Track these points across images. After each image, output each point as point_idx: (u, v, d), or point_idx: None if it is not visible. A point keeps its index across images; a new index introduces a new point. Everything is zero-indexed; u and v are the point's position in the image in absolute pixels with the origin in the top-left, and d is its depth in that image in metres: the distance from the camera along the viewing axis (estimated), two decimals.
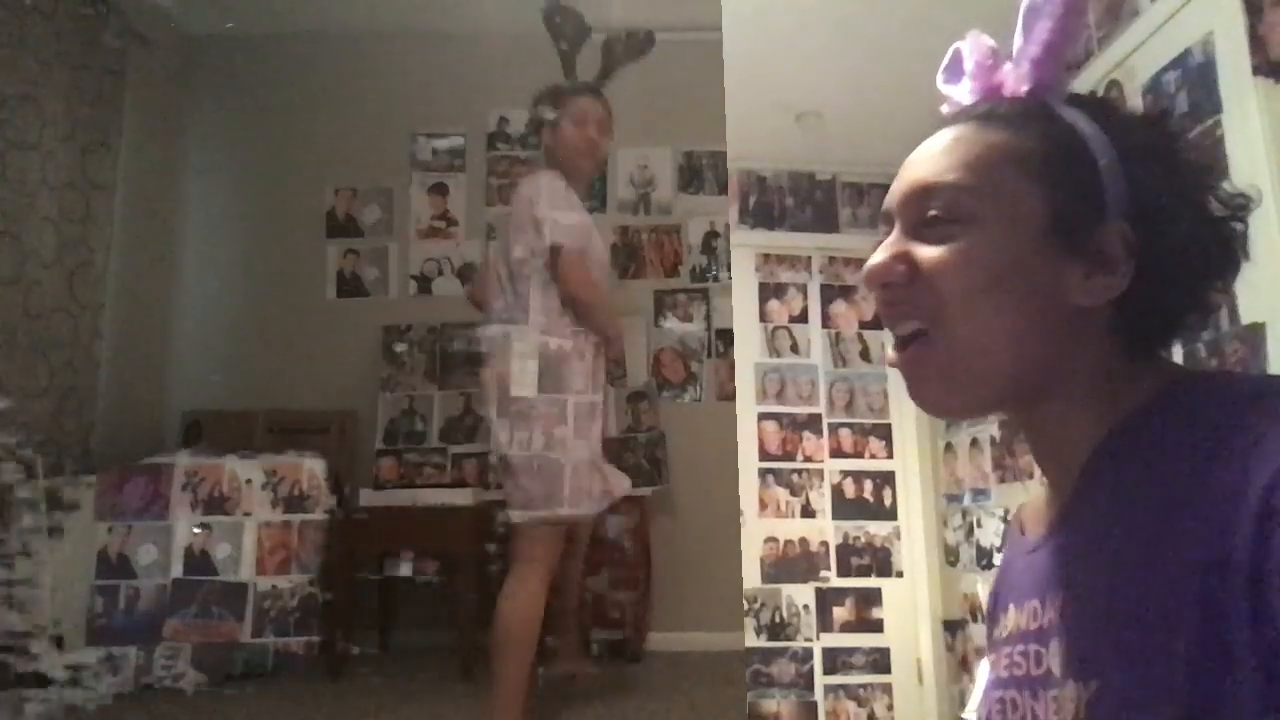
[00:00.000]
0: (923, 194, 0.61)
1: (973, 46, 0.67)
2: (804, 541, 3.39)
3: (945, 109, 0.68)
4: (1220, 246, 0.59)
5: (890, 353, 0.65)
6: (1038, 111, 0.61)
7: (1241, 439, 0.46)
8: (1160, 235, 0.57)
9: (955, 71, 0.69)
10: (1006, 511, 2.83)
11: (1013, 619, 0.62)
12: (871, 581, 3.39)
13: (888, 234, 0.64)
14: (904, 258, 0.61)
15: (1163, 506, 0.48)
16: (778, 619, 3.31)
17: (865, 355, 3.56)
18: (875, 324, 3.60)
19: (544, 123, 2.22)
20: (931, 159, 0.62)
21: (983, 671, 0.68)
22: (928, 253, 0.60)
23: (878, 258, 0.62)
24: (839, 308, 3.59)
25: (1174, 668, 0.44)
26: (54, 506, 2.51)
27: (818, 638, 3.31)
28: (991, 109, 0.63)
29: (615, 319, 2.29)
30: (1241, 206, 0.59)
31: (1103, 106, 0.62)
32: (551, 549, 2.01)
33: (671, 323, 3.37)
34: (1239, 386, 0.52)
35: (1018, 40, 0.65)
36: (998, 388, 0.59)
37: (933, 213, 0.60)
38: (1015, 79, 0.64)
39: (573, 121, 2.22)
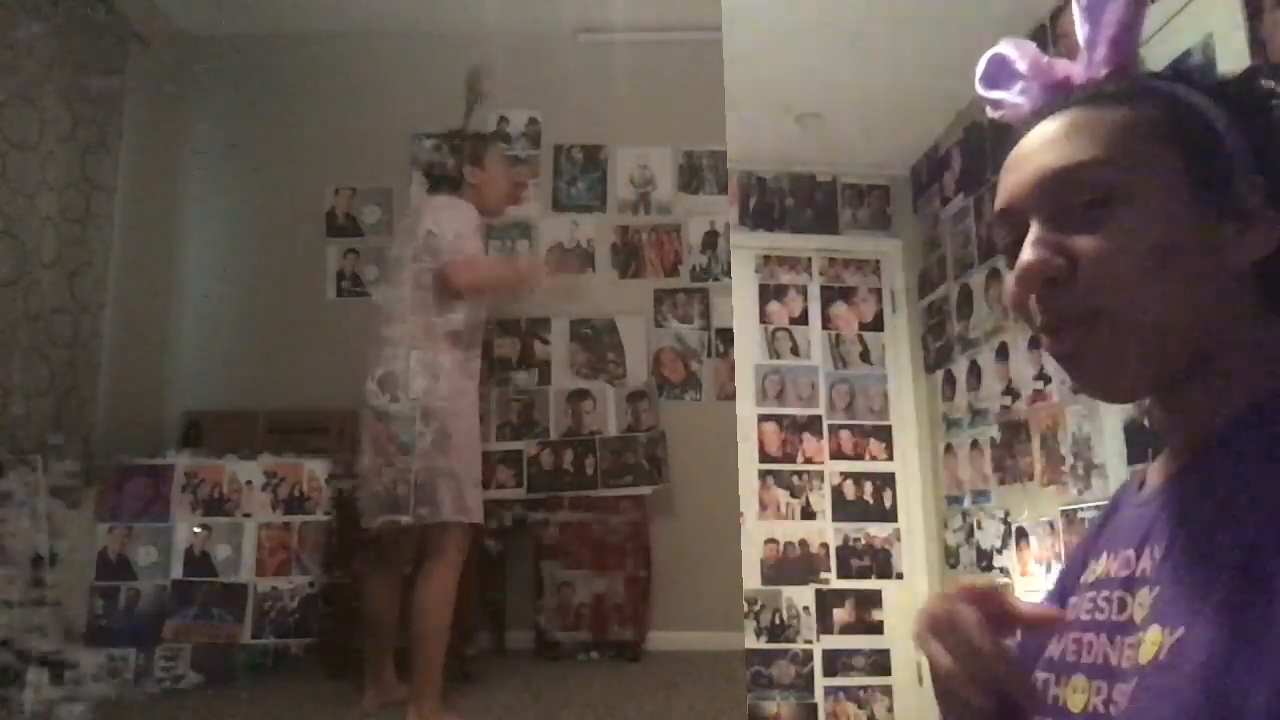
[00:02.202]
0: (1060, 179, 0.59)
1: (1019, 49, 0.67)
2: (804, 543, 3.39)
3: (997, 113, 0.69)
4: None
5: (1046, 342, 0.62)
6: (1141, 88, 0.61)
7: None
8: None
9: (1004, 76, 0.69)
10: (1007, 513, 2.83)
11: (1103, 565, 0.62)
12: (871, 583, 3.38)
13: (1009, 237, 0.63)
14: (1060, 249, 0.59)
15: (1272, 505, 0.49)
16: (778, 621, 3.31)
17: (865, 357, 3.55)
18: (875, 325, 3.60)
19: (465, 161, 2.42)
20: (1053, 145, 0.61)
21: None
22: (1085, 242, 0.58)
23: (1029, 255, 0.59)
24: (839, 309, 3.59)
25: (1273, 631, 0.44)
26: (54, 507, 2.51)
27: (818, 639, 3.31)
28: (1096, 92, 0.62)
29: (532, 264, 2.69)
30: None
31: (1192, 75, 0.62)
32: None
33: (671, 322, 3.37)
34: None
35: (1083, 30, 0.65)
36: (1165, 364, 0.58)
37: (1080, 200, 0.59)
38: (1092, 65, 0.64)
39: (499, 164, 2.52)
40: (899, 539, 3.42)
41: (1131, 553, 0.60)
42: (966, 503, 3.12)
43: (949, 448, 3.30)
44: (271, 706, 2.37)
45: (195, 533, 2.65)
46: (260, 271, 3.38)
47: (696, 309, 3.38)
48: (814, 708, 3.25)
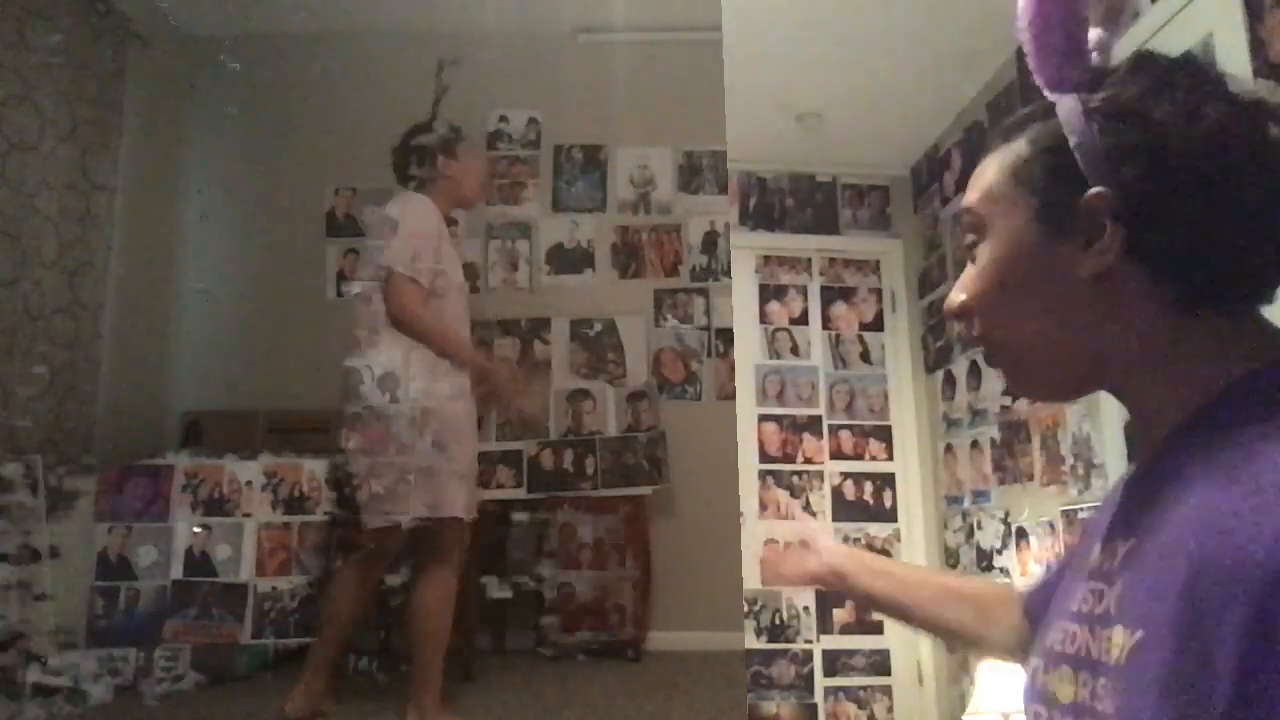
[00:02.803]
0: (962, 218, 0.69)
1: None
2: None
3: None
4: (1246, 157, 0.56)
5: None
6: (1037, 112, 0.64)
7: None
8: (1223, 175, 0.55)
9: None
10: (1007, 513, 2.83)
11: (1093, 555, 0.63)
12: None
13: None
14: (964, 288, 0.68)
15: (1232, 488, 0.49)
16: (777, 621, 3.31)
17: (865, 357, 3.55)
18: (875, 325, 3.60)
19: (437, 152, 2.41)
20: (975, 180, 0.69)
21: (983, 670, 0.69)
22: (967, 276, 0.68)
23: (950, 295, 0.70)
24: (839, 309, 3.58)
25: (1224, 643, 0.45)
26: (54, 507, 2.51)
27: (818, 639, 3.30)
28: (1010, 121, 0.67)
29: (495, 366, 2.57)
30: (1259, 105, 0.57)
31: (1097, 76, 0.63)
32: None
33: (671, 322, 3.37)
34: None
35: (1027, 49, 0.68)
36: (1066, 371, 0.64)
37: (967, 240, 0.68)
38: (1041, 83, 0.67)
39: (472, 155, 2.51)
40: (899, 539, 3.42)
41: (1106, 545, 0.61)
42: (966, 503, 3.12)
43: (949, 448, 3.29)
44: (271, 706, 2.37)
45: (195, 533, 2.65)
46: (260, 271, 3.38)
47: (696, 309, 3.38)
48: (814, 708, 3.25)
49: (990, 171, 0.66)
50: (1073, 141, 0.60)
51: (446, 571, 2.18)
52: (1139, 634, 0.51)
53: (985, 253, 0.65)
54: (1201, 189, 0.56)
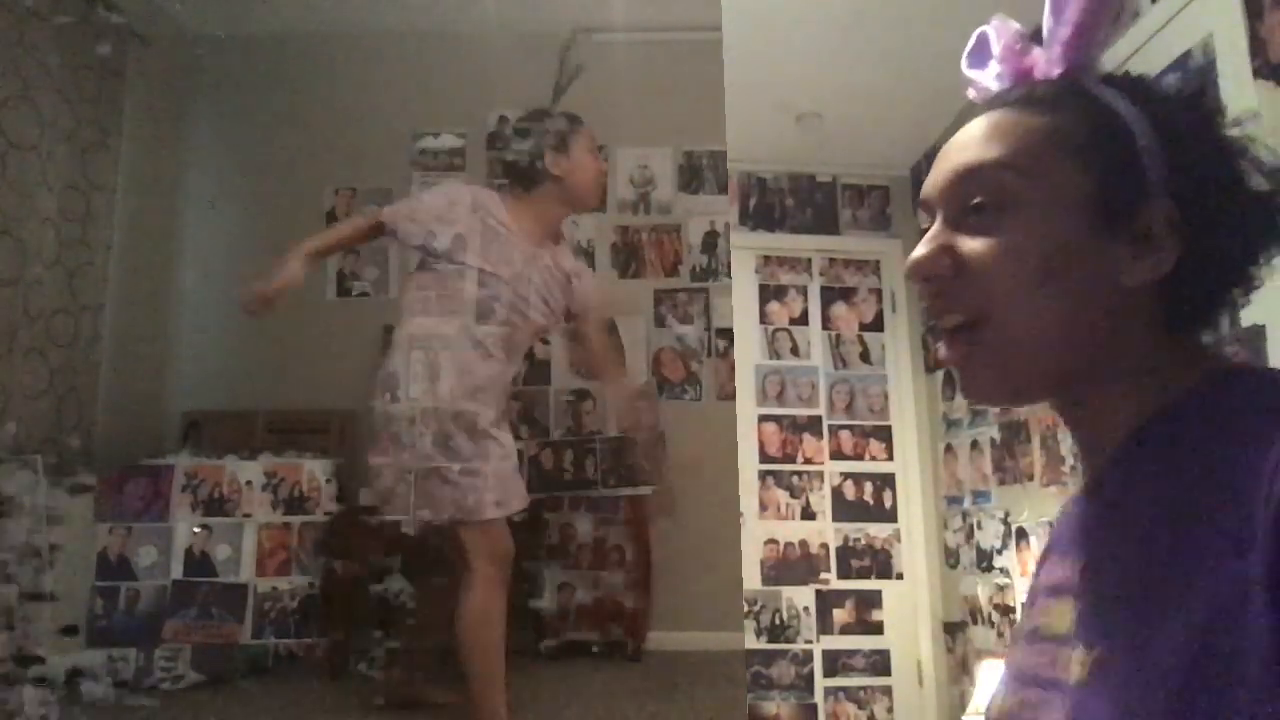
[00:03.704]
0: (965, 178, 0.60)
1: (1000, 30, 0.66)
2: (804, 544, 3.39)
3: (972, 94, 0.67)
4: (1261, 221, 0.58)
5: (939, 347, 0.64)
6: (1074, 93, 0.60)
7: (1271, 433, 0.46)
8: (1201, 212, 0.56)
9: (981, 55, 0.68)
10: (1007, 514, 2.83)
11: (1051, 573, 0.63)
12: (872, 584, 3.38)
13: (929, 225, 0.64)
14: (949, 250, 0.60)
15: (1191, 493, 0.49)
16: (778, 621, 3.31)
17: (865, 357, 3.55)
18: (875, 326, 3.60)
19: (547, 148, 2.12)
20: (971, 144, 0.61)
21: (983, 670, 0.68)
22: (973, 245, 0.59)
23: (920, 251, 0.61)
24: (839, 310, 3.59)
25: (1176, 648, 0.45)
26: (54, 507, 2.51)
27: (818, 640, 3.31)
28: (1028, 93, 0.62)
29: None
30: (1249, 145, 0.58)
31: (1139, 85, 0.61)
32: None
33: (671, 322, 3.37)
34: (1274, 382, 0.53)
35: (1047, 23, 0.63)
36: (1051, 375, 0.59)
37: (976, 200, 0.59)
38: (1047, 62, 0.63)
39: (587, 151, 2.16)
40: (899, 539, 3.42)
41: (1064, 562, 0.60)
42: (966, 503, 3.12)
43: (949, 448, 3.29)
44: (271, 706, 2.37)
45: (195, 533, 2.65)
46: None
47: (696, 309, 3.38)
48: (814, 708, 3.25)
49: (1023, 135, 0.59)
50: (1141, 143, 0.57)
51: (476, 583, 2.00)
52: (1096, 651, 0.50)
53: (1015, 224, 0.58)
54: (1239, 223, 0.57)
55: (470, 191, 2.19)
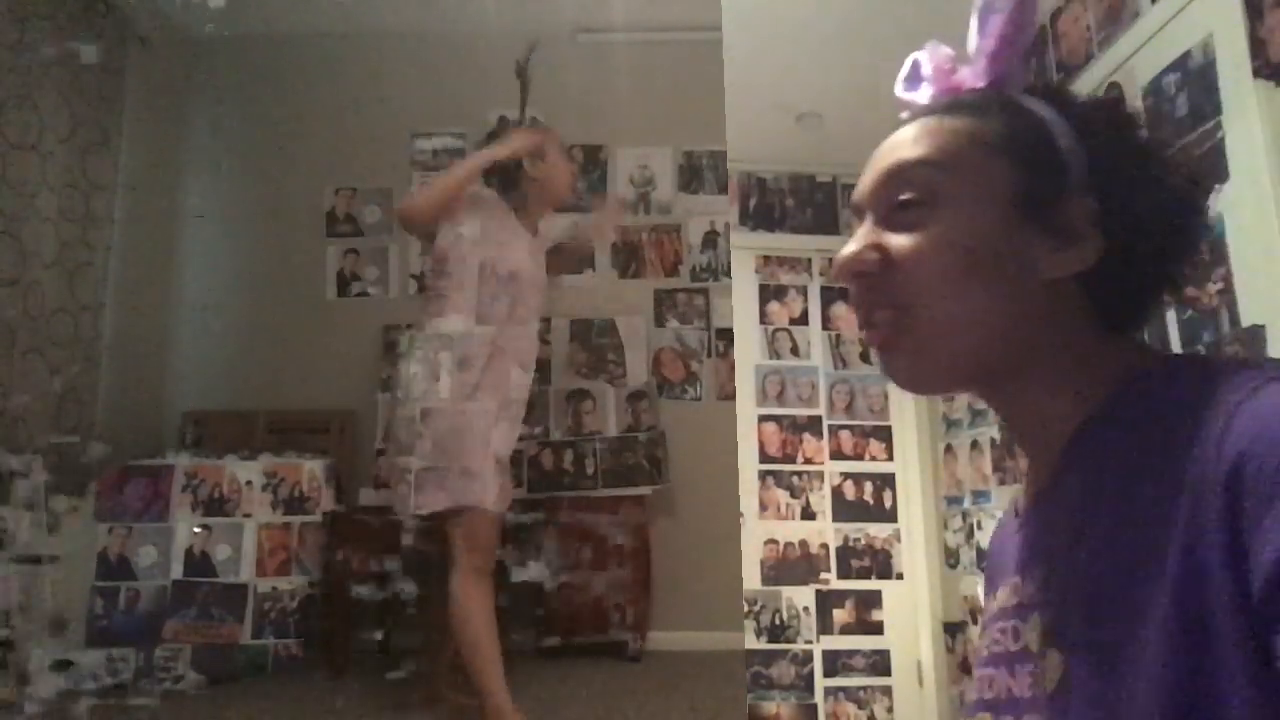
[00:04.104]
0: (893, 176, 0.62)
1: (930, 53, 0.69)
2: (804, 544, 3.39)
3: (905, 115, 0.69)
4: (1181, 220, 0.60)
5: (865, 333, 0.65)
6: (998, 99, 0.63)
7: (1214, 420, 0.47)
8: (1122, 210, 0.59)
9: (915, 79, 0.71)
10: None
11: (1000, 597, 0.63)
12: (872, 584, 3.38)
13: (859, 227, 0.66)
14: (876, 247, 0.62)
15: (1138, 486, 0.50)
16: (778, 621, 3.31)
17: (865, 357, 3.55)
18: None
19: (525, 155, 2.28)
20: (899, 146, 0.64)
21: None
22: (900, 241, 0.61)
23: (849, 248, 0.63)
24: (839, 310, 3.58)
25: (1145, 642, 0.45)
26: (54, 508, 2.51)
27: (818, 640, 3.31)
28: (953, 100, 0.65)
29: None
30: (1199, 180, 0.61)
31: (1059, 92, 0.64)
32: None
33: (671, 322, 3.37)
34: (1210, 368, 0.53)
35: (972, 39, 0.67)
36: (972, 363, 0.60)
37: (904, 197, 0.61)
38: (974, 75, 0.66)
39: (560, 154, 2.35)
40: (899, 539, 3.42)
41: (1017, 580, 0.60)
42: (966, 503, 3.12)
43: (949, 448, 3.29)
44: (271, 706, 2.37)
45: (195, 533, 2.65)
46: (260, 271, 3.38)
47: (696, 309, 3.38)
48: (814, 708, 3.25)
49: (948, 136, 0.61)
50: (1061, 144, 0.60)
51: (464, 575, 2.04)
52: (1070, 656, 0.51)
53: (939, 220, 0.60)
54: (1158, 220, 0.59)
55: (484, 191, 2.25)
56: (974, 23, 0.66)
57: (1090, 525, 0.53)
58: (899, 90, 0.72)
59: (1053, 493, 0.59)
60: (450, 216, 2.17)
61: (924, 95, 0.69)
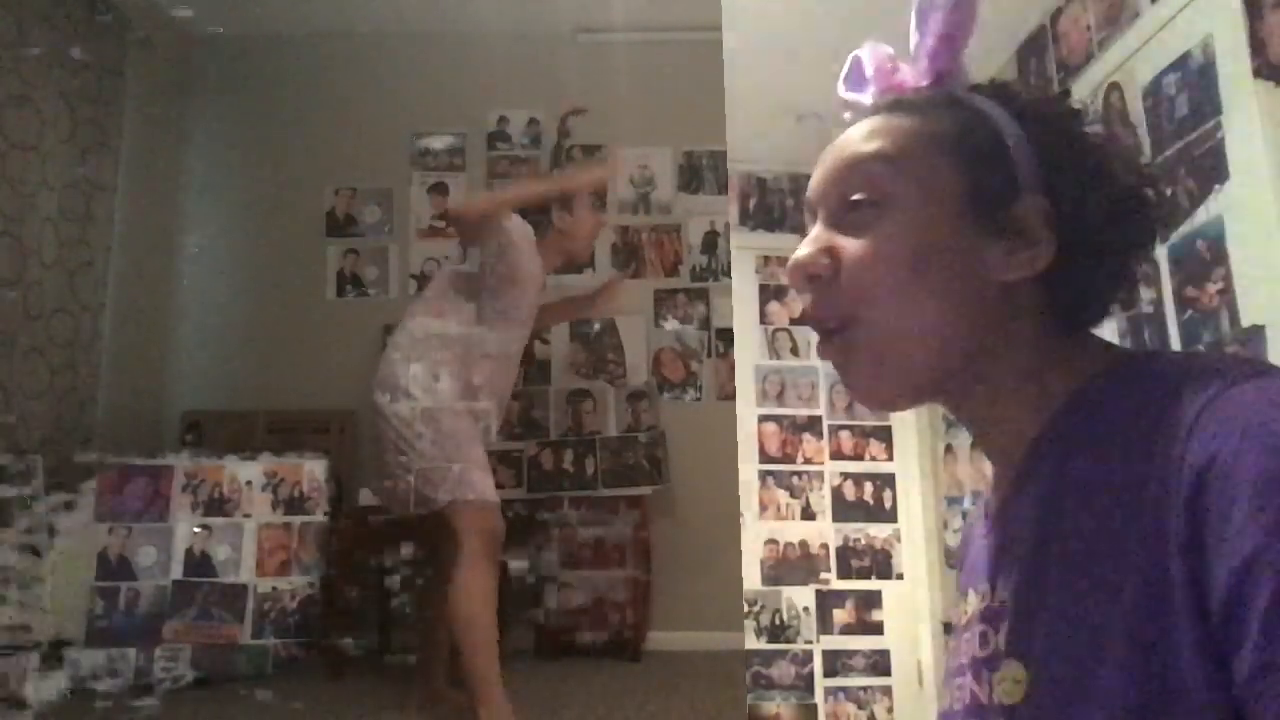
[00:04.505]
0: (844, 172, 0.61)
1: (871, 52, 0.68)
2: (804, 544, 3.39)
3: (848, 116, 0.68)
4: (1133, 216, 0.59)
5: (817, 345, 0.64)
6: (944, 99, 0.62)
7: (1176, 421, 0.46)
8: (1075, 208, 0.57)
9: (857, 79, 0.70)
10: None
11: (971, 603, 0.62)
12: (872, 584, 3.38)
13: (812, 227, 0.64)
14: (828, 250, 0.60)
15: (1103, 490, 0.49)
16: (778, 621, 3.31)
17: None
18: None
19: (555, 206, 2.34)
20: (849, 142, 0.63)
21: None
22: (849, 246, 0.59)
23: (801, 252, 0.61)
24: None
25: (1107, 657, 0.45)
26: (54, 507, 2.51)
27: (818, 640, 3.30)
28: (899, 100, 0.63)
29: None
30: (1151, 177, 0.60)
31: (1004, 90, 0.63)
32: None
33: (671, 322, 3.37)
34: (1173, 367, 0.52)
35: (913, 38, 0.66)
36: (931, 373, 0.59)
37: (855, 197, 0.60)
38: (916, 74, 0.65)
39: (588, 209, 2.40)
40: (899, 539, 3.41)
41: (987, 586, 0.59)
42: (966, 503, 3.12)
43: (949, 448, 3.29)
44: (271, 706, 2.37)
45: (195, 533, 2.65)
46: (260, 271, 3.38)
47: (696, 309, 3.38)
48: (814, 708, 3.25)
49: (897, 134, 0.60)
50: (1010, 142, 0.58)
51: (464, 568, 2.03)
52: (1034, 667, 0.50)
53: (889, 222, 0.58)
54: (1110, 216, 0.58)
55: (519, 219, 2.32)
56: (913, 21, 0.65)
57: (1051, 536, 0.52)
58: (841, 90, 0.70)
59: (1016, 500, 0.58)
60: (496, 228, 2.22)
61: (867, 95, 0.68)
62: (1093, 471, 0.51)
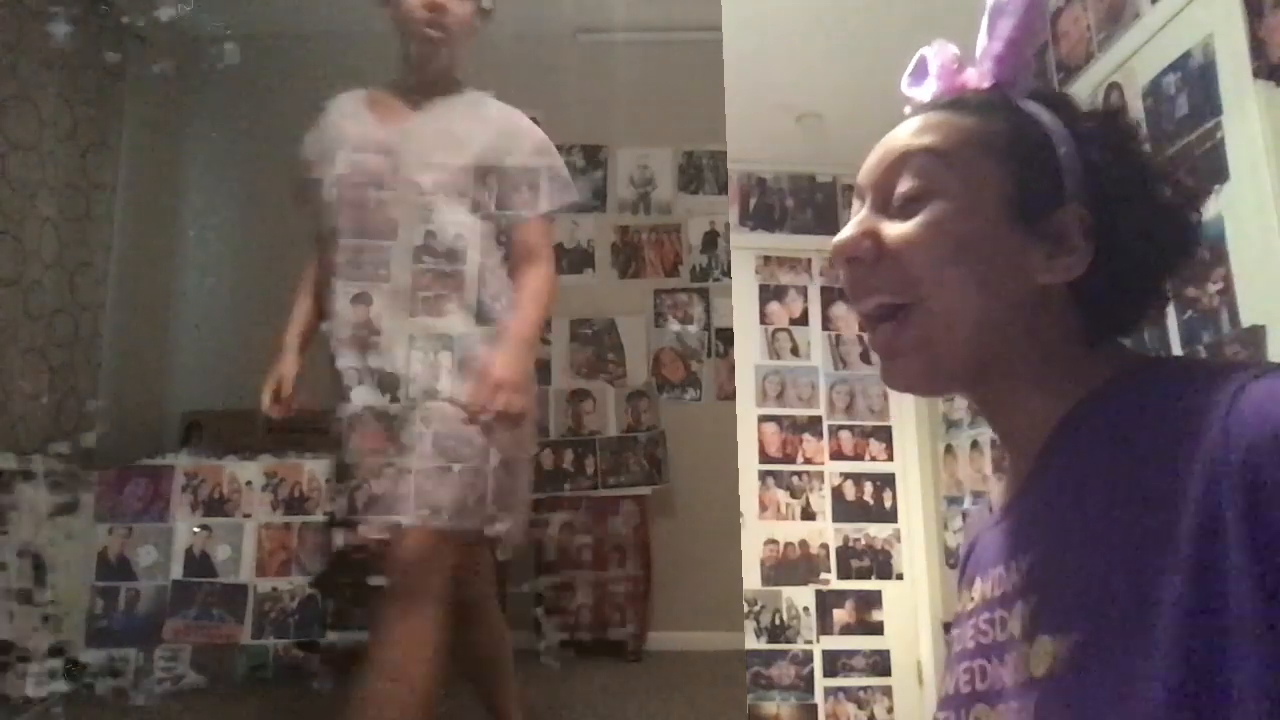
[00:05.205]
0: (896, 164, 0.63)
1: (937, 51, 0.70)
2: (804, 544, 3.39)
3: (908, 110, 0.70)
4: (1173, 233, 0.61)
5: (868, 337, 0.66)
6: (1001, 102, 0.64)
7: (1215, 405, 0.48)
8: (1116, 222, 0.60)
9: (920, 75, 0.72)
10: None
11: (979, 590, 0.63)
12: (872, 584, 3.38)
13: (858, 211, 0.67)
14: (871, 233, 0.63)
15: (1135, 472, 0.51)
16: (778, 621, 3.31)
17: (865, 357, 3.55)
18: None
19: None
20: (903, 135, 0.65)
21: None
22: (894, 228, 0.62)
23: (845, 233, 0.64)
24: (839, 310, 3.58)
25: (1163, 622, 0.46)
26: (54, 507, 2.51)
27: (818, 640, 3.31)
28: (958, 99, 0.66)
29: None
30: (1194, 196, 0.62)
31: (1062, 100, 0.65)
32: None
33: (671, 322, 3.37)
34: (1195, 364, 0.55)
35: (981, 40, 0.68)
36: (966, 361, 0.61)
37: (903, 188, 0.62)
38: (979, 75, 0.67)
39: None
40: (899, 539, 3.42)
41: (1001, 570, 0.60)
42: (966, 503, 3.12)
43: (949, 448, 3.29)
44: (271, 706, 2.37)
45: (195, 533, 2.65)
46: (260, 271, 3.38)
47: (696, 309, 3.38)
48: (814, 708, 3.25)
49: (951, 131, 0.62)
50: (1060, 151, 0.60)
51: (403, 611, 1.69)
52: (1075, 636, 0.50)
53: (939, 212, 0.60)
54: (1149, 234, 0.60)
55: None
56: (984, 24, 0.67)
57: (1081, 512, 0.53)
58: (904, 85, 0.72)
59: (1037, 483, 0.60)
60: None
61: (928, 92, 0.69)
62: (1122, 453, 0.52)
